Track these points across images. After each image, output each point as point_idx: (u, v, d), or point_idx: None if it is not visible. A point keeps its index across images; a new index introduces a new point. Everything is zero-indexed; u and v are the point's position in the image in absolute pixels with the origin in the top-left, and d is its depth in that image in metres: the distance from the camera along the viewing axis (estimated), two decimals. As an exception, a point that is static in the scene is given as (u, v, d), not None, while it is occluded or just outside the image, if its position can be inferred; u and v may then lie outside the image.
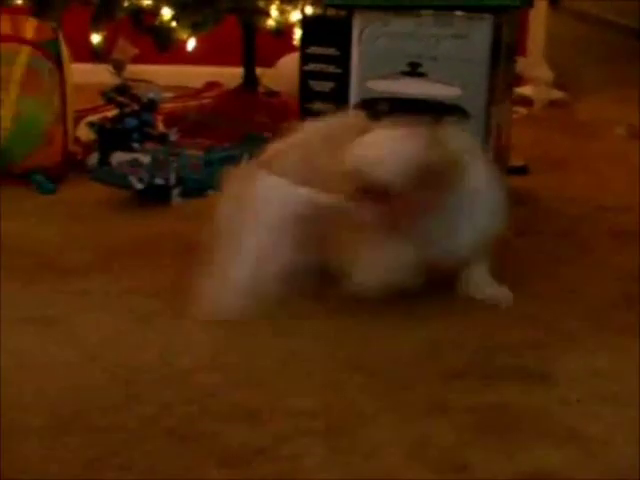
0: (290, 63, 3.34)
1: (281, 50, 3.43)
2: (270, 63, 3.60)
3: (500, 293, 1.75)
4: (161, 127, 2.64)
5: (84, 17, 3.03)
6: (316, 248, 1.62)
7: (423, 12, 2.24)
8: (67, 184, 2.46)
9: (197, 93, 3.56)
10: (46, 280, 1.80)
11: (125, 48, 3.69)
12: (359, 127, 1.67)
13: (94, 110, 2.89)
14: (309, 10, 2.54)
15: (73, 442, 1.24)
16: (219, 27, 3.06)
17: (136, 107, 2.49)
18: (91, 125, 2.54)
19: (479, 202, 1.67)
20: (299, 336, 1.57)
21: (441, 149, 1.61)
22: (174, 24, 2.82)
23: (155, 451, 1.22)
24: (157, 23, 2.89)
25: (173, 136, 2.49)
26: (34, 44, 2.49)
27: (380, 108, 2.16)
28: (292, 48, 3.11)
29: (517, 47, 2.54)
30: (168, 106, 3.27)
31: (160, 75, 3.70)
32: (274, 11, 2.84)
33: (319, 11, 2.42)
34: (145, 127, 2.47)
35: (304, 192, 1.63)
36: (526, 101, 3.58)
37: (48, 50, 2.50)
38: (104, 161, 2.40)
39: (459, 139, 1.70)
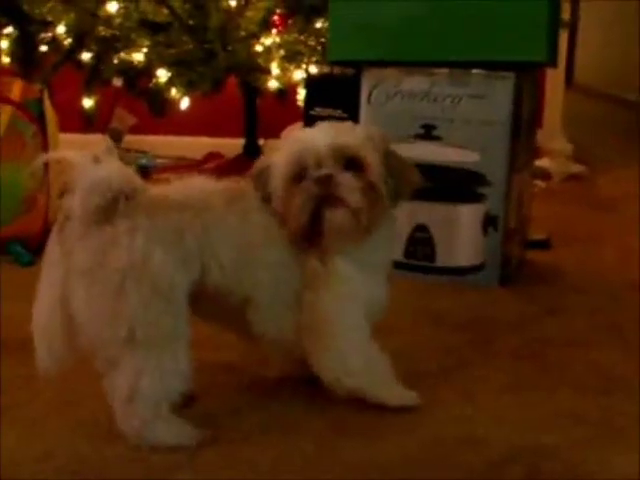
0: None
1: (284, 117, 3.30)
2: (273, 133, 3.46)
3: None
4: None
5: (75, 86, 2.91)
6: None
7: (438, 70, 2.06)
8: (47, 256, 2.26)
9: (198, 164, 3.42)
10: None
11: (123, 117, 3.56)
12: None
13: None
14: (313, 69, 2.36)
15: None
16: (219, 95, 2.93)
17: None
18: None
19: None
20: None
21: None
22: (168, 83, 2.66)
23: None
24: (152, 85, 2.74)
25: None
26: (17, 104, 2.31)
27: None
28: (296, 115, 2.95)
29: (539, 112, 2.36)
30: (165, 176, 3.15)
31: (159, 146, 3.58)
32: (275, 69, 2.68)
33: (324, 69, 2.24)
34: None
35: None
36: (544, 174, 3.43)
37: (31, 110, 2.32)
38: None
39: None
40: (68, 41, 2.75)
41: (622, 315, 1.96)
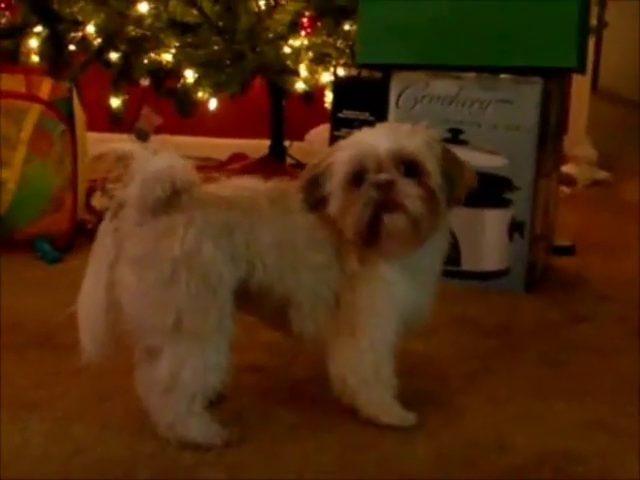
0: (320, 135, 3.21)
1: (311, 119, 3.30)
2: (299, 136, 3.46)
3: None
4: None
5: (103, 85, 2.92)
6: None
7: (466, 74, 2.06)
8: (75, 253, 2.27)
9: (222, 165, 3.42)
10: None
11: (150, 117, 3.57)
12: None
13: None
14: (341, 71, 2.36)
15: None
16: (246, 96, 2.93)
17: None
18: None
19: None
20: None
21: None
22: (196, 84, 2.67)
23: None
24: (179, 86, 2.74)
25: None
26: (46, 103, 2.32)
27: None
28: (323, 118, 2.95)
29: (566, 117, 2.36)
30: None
31: (185, 146, 3.57)
32: (303, 71, 2.68)
33: (352, 72, 2.24)
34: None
35: None
36: (569, 180, 3.41)
37: (60, 109, 2.33)
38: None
39: None
40: (97, 41, 2.75)
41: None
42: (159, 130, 3.57)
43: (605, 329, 1.91)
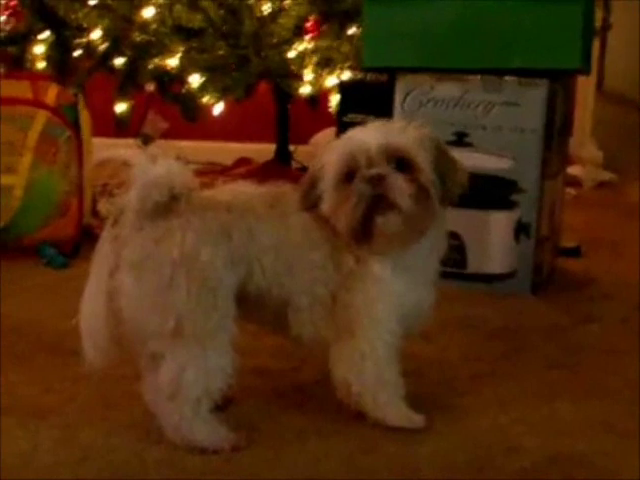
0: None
1: (316, 123, 3.29)
2: (304, 140, 3.46)
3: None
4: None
5: (109, 91, 2.92)
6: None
7: (470, 77, 2.06)
8: (81, 259, 2.27)
9: (228, 169, 3.42)
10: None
11: (155, 122, 3.58)
12: None
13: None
14: (346, 75, 2.36)
15: None
16: (251, 101, 2.93)
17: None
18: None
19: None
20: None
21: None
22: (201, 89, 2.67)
23: None
24: (184, 91, 2.74)
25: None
26: (52, 109, 2.33)
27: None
28: (328, 121, 2.95)
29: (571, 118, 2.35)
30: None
31: (191, 151, 3.58)
32: (308, 75, 2.68)
33: (357, 76, 2.24)
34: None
35: None
36: (574, 181, 3.41)
37: (66, 116, 2.34)
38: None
39: None
40: (103, 46, 2.76)
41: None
42: (165, 135, 3.57)
43: (612, 330, 1.91)
